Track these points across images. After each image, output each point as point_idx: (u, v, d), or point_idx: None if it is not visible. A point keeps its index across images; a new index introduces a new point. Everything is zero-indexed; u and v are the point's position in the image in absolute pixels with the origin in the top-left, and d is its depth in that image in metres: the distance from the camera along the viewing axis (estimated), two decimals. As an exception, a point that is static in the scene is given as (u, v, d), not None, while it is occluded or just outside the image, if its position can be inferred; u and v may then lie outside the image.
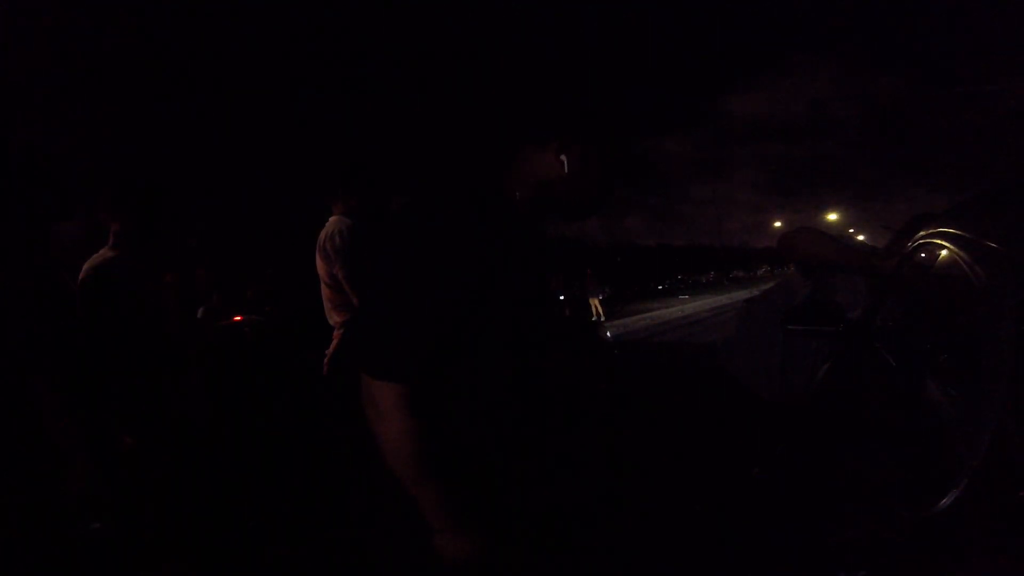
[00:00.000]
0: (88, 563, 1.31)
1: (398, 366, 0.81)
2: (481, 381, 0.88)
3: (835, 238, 1.61)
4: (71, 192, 1.47)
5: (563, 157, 0.90)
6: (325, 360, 2.02)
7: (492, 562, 0.89)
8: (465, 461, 0.89)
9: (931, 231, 1.18)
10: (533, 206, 0.94)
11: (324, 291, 2.01)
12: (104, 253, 1.66)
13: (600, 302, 15.10)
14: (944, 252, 1.04)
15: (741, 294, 24.99)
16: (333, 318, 2.02)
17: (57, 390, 1.27)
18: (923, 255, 1.23)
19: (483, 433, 0.91)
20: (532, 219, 0.95)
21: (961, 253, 0.94)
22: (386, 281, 0.86)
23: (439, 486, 0.86)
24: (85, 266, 1.64)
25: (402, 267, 0.84)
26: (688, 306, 18.37)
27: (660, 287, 43.09)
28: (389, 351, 0.82)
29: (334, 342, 2.01)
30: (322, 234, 1.99)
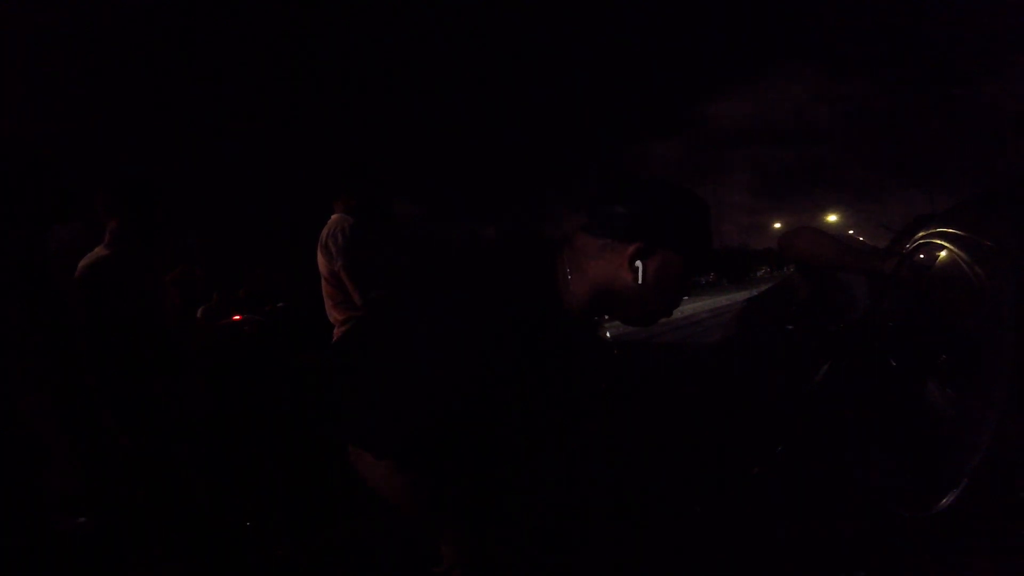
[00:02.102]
0: (75, 557, 1.31)
1: (381, 442, 0.76)
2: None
3: (835, 238, 1.61)
4: (69, 194, 1.47)
5: (638, 264, 0.76)
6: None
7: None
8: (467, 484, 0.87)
9: (931, 231, 1.18)
10: (586, 307, 0.80)
11: (325, 288, 2.02)
12: (100, 251, 1.66)
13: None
14: (944, 252, 1.04)
15: (741, 295, 24.98)
16: (334, 316, 2.02)
17: (42, 388, 1.27)
18: (923, 255, 1.23)
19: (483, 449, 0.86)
20: (582, 321, 0.82)
21: (961, 253, 0.94)
22: (393, 357, 0.78)
23: (443, 523, 0.85)
24: (81, 264, 1.64)
25: (416, 350, 0.76)
26: (688, 307, 18.38)
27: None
28: (374, 426, 0.76)
29: (335, 340, 2.01)
30: (324, 232, 2.00)
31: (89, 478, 1.36)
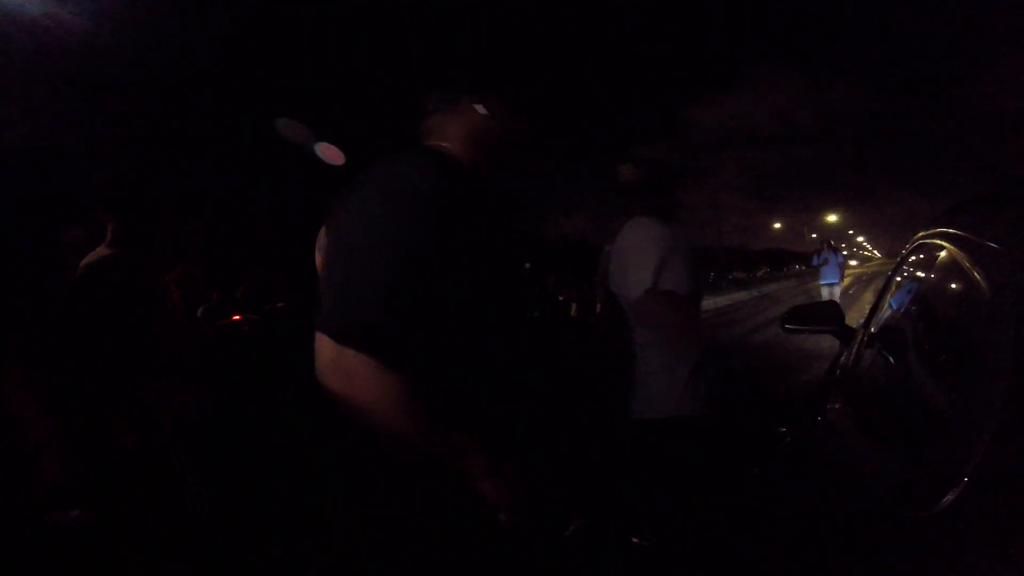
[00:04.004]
0: (69, 550, 1.31)
1: (363, 327, 0.78)
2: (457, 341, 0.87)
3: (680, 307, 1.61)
4: (80, 196, 1.47)
5: (479, 106, 0.98)
6: None
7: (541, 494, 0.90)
8: (465, 409, 0.88)
9: (931, 231, 1.17)
10: (473, 158, 0.99)
11: (323, 288, 2.02)
12: (100, 251, 1.66)
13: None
14: (944, 252, 1.04)
15: (740, 294, 24.98)
16: (333, 317, 2.02)
17: (30, 383, 1.27)
18: (923, 255, 1.23)
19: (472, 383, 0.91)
20: (479, 174, 1.00)
21: (961, 253, 0.93)
22: (351, 238, 0.84)
23: (459, 433, 0.83)
24: (82, 264, 1.64)
25: (368, 219, 0.83)
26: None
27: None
28: (354, 310, 0.79)
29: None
30: (322, 231, 2.00)
31: (89, 477, 1.36)
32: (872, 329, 1.44)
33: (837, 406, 1.41)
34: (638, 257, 1.64)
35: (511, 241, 1.03)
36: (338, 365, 0.78)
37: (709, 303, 20.45)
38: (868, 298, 12.38)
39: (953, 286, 0.97)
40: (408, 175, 0.85)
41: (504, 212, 1.03)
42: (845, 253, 17.01)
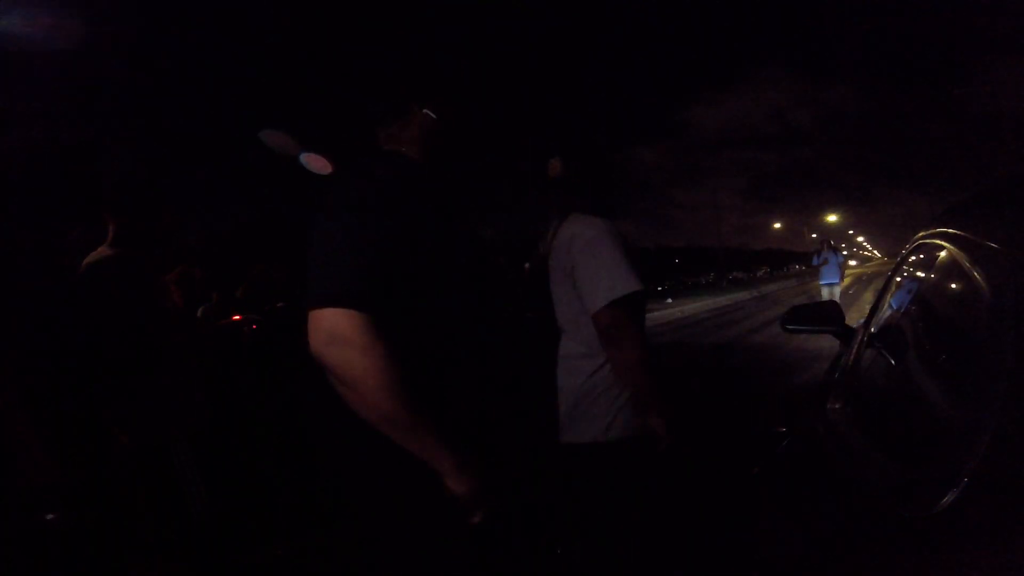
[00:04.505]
0: (46, 553, 1.31)
1: (345, 289, 0.85)
2: (431, 314, 0.94)
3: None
4: (81, 196, 1.47)
5: (426, 111, 1.06)
6: None
7: (506, 496, 0.93)
8: (443, 390, 0.93)
9: (931, 231, 1.17)
10: (429, 158, 1.08)
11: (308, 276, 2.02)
12: (102, 251, 1.66)
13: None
14: (944, 252, 1.04)
15: (741, 295, 25.01)
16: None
17: (14, 385, 1.27)
18: (923, 255, 1.23)
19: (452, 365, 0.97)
20: (432, 170, 1.08)
21: (961, 253, 0.93)
22: (325, 229, 0.93)
23: (431, 419, 0.87)
24: (83, 263, 1.65)
25: (338, 213, 0.93)
26: (688, 307, 18.30)
27: (659, 288, 42.96)
28: (335, 278, 0.87)
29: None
30: None
31: (72, 481, 1.36)
32: (872, 329, 1.44)
33: (837, 406, 1.41)
34: (596, 263, 1.44)
35: (475, 235, 1.10)
36: (325, 333, 0.85)
37: (709, 303, 20.44)
38: (868, 298, 12.39)
39: (953, 286, 0.97)
40: (366, 171, 0.98)
41: (467, 209, 1.11)
42: (845, 253, 16.95)
